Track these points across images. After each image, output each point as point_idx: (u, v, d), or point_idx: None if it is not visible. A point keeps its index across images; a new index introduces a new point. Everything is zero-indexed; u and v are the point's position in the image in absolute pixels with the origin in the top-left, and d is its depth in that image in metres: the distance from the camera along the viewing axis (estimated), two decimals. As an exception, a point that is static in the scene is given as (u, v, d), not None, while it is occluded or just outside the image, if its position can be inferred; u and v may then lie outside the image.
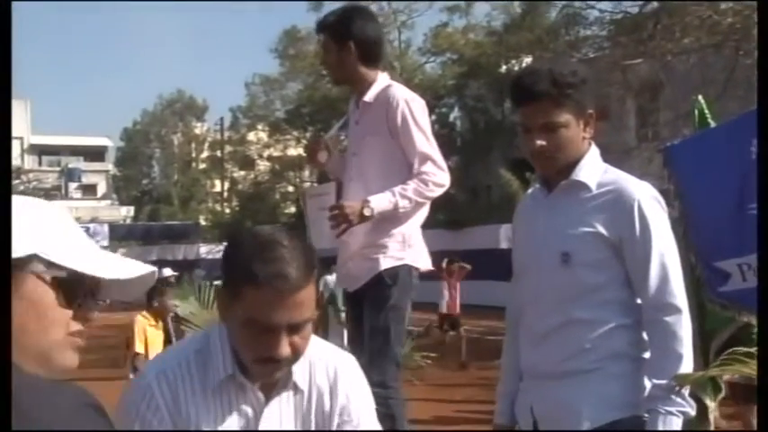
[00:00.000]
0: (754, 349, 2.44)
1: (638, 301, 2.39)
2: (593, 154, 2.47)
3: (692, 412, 2.33)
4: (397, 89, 3.56)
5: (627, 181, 2.42)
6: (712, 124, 4.66)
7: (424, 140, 3.49)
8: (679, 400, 2.28)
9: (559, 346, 2.39)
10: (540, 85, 2.37)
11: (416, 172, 3.45)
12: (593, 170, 2.44)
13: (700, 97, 4.86)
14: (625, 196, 2.37)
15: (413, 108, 3.49)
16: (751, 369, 2.51)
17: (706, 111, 4.74)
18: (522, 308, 2.57)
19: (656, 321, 2.34)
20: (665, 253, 2.35)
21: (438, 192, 3.50)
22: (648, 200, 2.38)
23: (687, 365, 2.32)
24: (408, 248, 3.53)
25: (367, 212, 3.39)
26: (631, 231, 2.34)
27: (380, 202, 3.41)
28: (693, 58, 15.38)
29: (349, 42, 3.52)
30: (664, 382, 2.28)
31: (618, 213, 2.36)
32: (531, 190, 2.67)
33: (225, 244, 1.80)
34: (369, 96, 3.57)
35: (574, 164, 2.43)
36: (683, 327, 2.32)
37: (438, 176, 3.47)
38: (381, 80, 3.60)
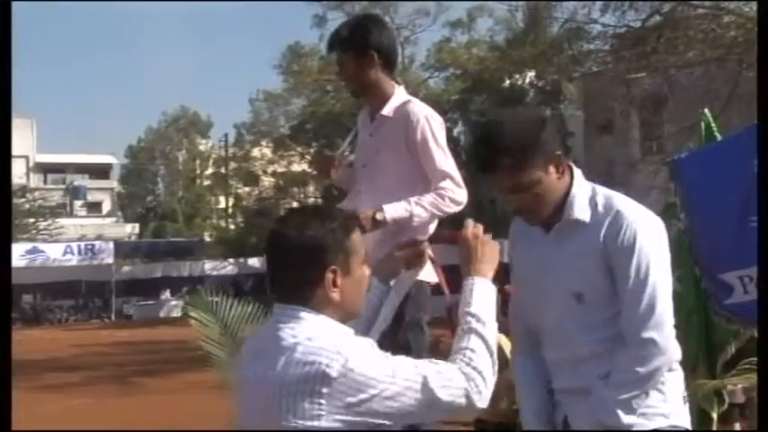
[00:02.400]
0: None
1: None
2: (576, 184, 2.44)
3: None
4: (416, 105, 3.52)
5: (621, 205, 2.38)
6: (719, 137, 4.65)
7: (444, 159, 3.46)
8: None
9: (588, 370, 2.38)
10: (496, 158, 2.36)
11: (434, 188, 3.42)
12: (582, 203, 2.41)
13: (706, 110, 4.85)
14: (622, 224, 2.34)
15: (433, 126, 3.46)
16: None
17: (712, 124, 4.73)
18: (537, 335, 2.56)
19: (629, 353, 2.30)
20: (657, 287, 2.30)
21: (454, 209, 3.44)
22: (646, 228, 2.34)
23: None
24: (415, 263, 3.50)
25: (379, 216, 3.31)
26: (627, 263, 2.31)
27: (395, 208, 3.36)
28: (697, 71, 15.39)
29: (370, 52, 3.48)
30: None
31: (616, 241, 2.33)
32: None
33: (292, 236, 1.96)
34: (387, 110, 3.52)
35: (561, 204, 2.42)
36: (656, 359, 2.28)
37: (456, 193, 3.44)
38: (399, 94, 3.57)
